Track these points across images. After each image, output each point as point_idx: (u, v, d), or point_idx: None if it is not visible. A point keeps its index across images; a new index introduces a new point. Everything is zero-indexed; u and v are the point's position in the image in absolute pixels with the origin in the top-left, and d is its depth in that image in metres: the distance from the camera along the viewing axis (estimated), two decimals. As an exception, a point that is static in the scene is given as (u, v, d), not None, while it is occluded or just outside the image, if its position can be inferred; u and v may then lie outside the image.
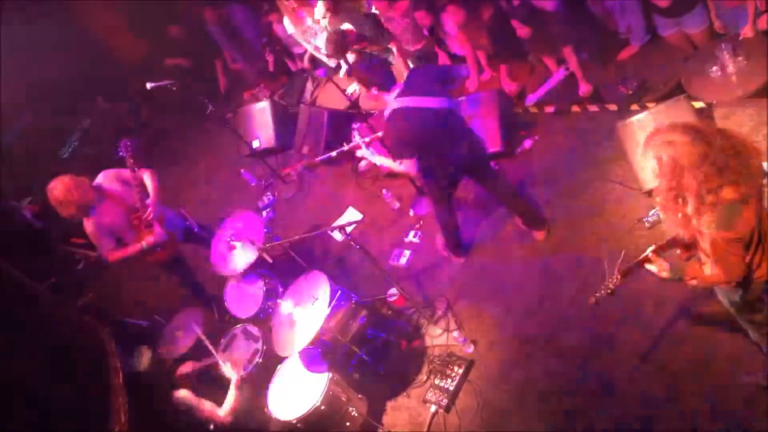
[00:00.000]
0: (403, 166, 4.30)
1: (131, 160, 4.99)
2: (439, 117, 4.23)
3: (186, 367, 4.76)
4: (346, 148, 4.85)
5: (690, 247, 2.98)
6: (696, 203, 2.62)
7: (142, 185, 5.02)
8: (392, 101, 4.22)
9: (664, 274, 3.03)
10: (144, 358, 4.39)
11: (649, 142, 2.69)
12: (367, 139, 4.52)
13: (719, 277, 2.82)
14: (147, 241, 4.99)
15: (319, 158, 5.11)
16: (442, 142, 4.33)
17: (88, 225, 4.90)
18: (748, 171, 2.59)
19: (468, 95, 5.98)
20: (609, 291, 3.19)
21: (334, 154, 4.90)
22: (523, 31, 5.34)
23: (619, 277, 3.14)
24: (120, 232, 5.01)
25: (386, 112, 4.30)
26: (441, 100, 4.22)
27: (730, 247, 2.68)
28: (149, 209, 4.95)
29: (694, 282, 2.95)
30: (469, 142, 4.47)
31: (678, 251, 3.07)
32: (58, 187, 4.72)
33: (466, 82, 6.39)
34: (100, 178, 5.06)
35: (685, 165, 2.56)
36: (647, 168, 3.03)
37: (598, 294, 3.24)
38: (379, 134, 4.91)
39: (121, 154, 5.02)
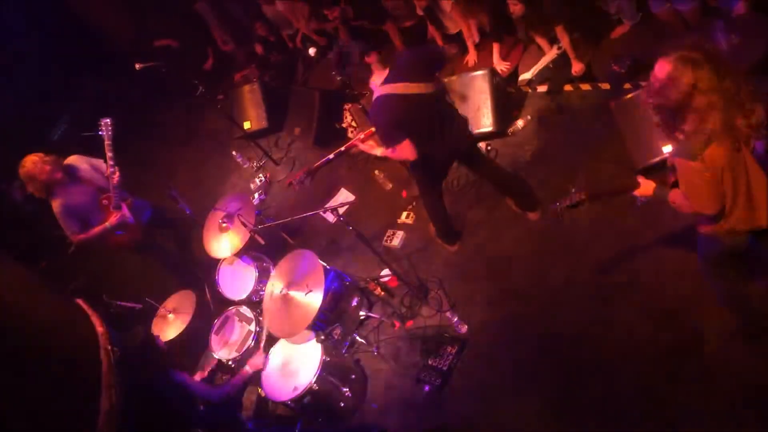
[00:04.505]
0: (398, 152, 4.22)
1: (109, 141, 4.99)
2: (425, 103, 4.16)
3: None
4: (343, 149, 4.86)
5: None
6: (682, 126, 2.72)
7: (117, 170, 5.02)
8: (378, 87, 4.17)
9: (650, 192, 3.10)
10: (137, 338, 4.38)
11: (678, 53, 2.69)
12: (362, 136, 4.50)
13: (690, 206, 2.89)
14: (111, 221, 5.01)
15: (318, 164, 5.13)
16: (430, 127, 4.27)
17: (55, 205, 4.94)
18: (743, 112, 2.66)
19: (462, 74, 5.95)
20: (571, 204, 3.23)
21: (332, 156, 4.92)
22: (516, 8, 5.30)
23: (584, 197, 3.16)
24: (87, 213, 5.04)
25: (373, 99, 4.23)
26: (427, 85, 4.14)
27: (696, 178, 2.74)
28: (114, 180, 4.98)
29: (674, 205, 3.00)
30: (456, 126, 4.42)
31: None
32: (27, 164, 4.83)
33: (462, 60, 6.37)
34: (72, 160, 5.11)
35: (700, 88, 2.62)
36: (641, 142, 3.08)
37: (559, 204, 3.27)
38: (373, 129, 4.88)
39: (100, 132, 5.02)
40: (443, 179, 4.85)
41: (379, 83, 4.17)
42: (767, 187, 2.86)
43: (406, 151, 4.17)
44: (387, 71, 4.20)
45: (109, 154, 4.97)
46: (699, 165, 2.70)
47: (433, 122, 4.27)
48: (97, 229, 5.02)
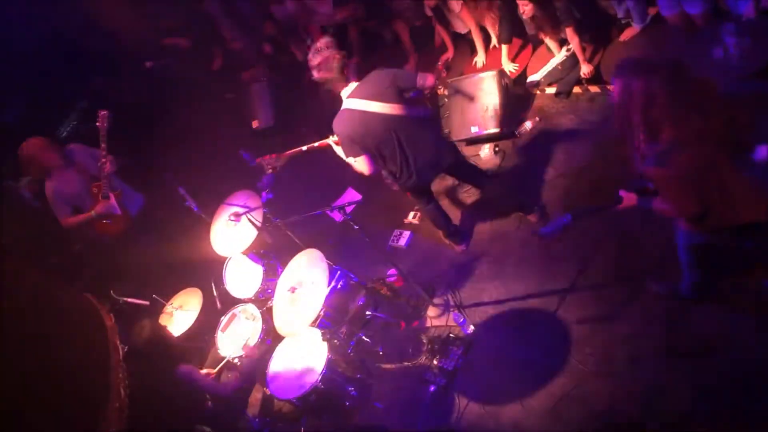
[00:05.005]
0: (357, 164, 4.23)
1: (104, 132, 5.11)
2: (386, 123, 4.13)
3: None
4: (316, 144, 4.87)
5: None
6: (644, 135, 2.74)
7: (108, 160, 5.14)
8: (345, 100, 4.16)
9: (634, 203, 3.18)
10: (145, 333, 4.42)
11: (633, 67, 2.79)
12: (335, 137, 4.51)
13: (673, 210, 2.95)
14: (97, 210, 5.10)
15: (289, 152, 5.10)
16: (392, 148, 4.24)
17: (48, 187, 5.09)
18: (705, 115, 2.68)
19: (470, 74, 5.96)
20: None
21: (304, 148, 4.91)
22: (527, 9, 5.30)
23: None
24: (79, 200, 5.16)
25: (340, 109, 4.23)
26: (393, 106, 4.11)
27: (670, 183, 2.78)
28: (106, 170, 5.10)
29: (660, 212, 3.04)
30: (432, 150, 4.37)
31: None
32: (30, 146, 5.01)
33: (471, 61, 6.37)
34: (72, 146, 5.28)
35: (658, 98, 2.66)
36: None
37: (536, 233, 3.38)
38: None
39: (97, 123, 5.15)
40: (429, 188, 4.85)
41: (346, 94, 4.16)
42: (747, 185, 2.87)
43: (362, 165, 4.23)
44: (357, 83, 4.17)
45: (102, 145, 5.10)
46: (669, 171, 2.73)
47: (395, 144, 4.23)
48: (82, 216, 5.14)
